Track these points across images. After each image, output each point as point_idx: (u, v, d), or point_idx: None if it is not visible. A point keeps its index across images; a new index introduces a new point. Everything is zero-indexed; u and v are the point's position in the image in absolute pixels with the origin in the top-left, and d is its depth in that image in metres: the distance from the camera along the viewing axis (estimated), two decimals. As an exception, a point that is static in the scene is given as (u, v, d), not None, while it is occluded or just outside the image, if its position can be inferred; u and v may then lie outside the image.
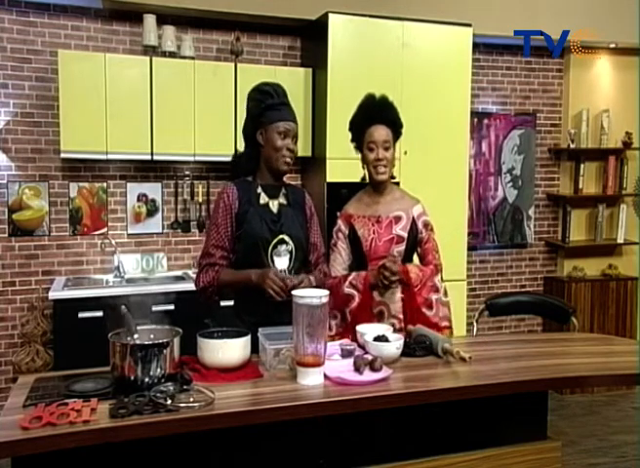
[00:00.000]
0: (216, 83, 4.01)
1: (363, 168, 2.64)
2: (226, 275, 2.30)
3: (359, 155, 2.64)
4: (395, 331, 2.38)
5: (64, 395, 1.78)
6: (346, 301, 2.54)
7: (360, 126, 2.59)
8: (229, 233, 2.31)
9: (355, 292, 2.53)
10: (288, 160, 2.34)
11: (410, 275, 2.52)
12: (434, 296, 2.56)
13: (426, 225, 2.65)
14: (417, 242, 2.64)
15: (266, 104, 2.32)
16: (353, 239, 2.63)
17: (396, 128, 2.59)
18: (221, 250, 2.31)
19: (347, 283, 2.55)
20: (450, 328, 2.60)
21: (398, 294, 2.55)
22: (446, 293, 2.63)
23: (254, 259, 2.28)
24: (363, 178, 2.66)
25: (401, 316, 2.54)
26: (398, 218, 2.60)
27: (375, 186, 2.64)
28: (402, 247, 2.58)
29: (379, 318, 2.54)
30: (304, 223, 2.45)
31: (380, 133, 2.54)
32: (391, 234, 2.58)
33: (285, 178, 2.47)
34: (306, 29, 4.39)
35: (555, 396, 4.75)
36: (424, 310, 2.53)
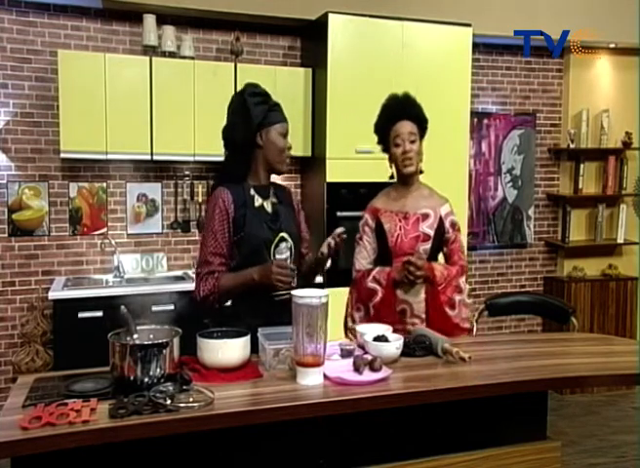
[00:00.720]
0: (215, 83, 4.00)
1: (391, 166, 2.63)
2: (227, 280, 2.25)
3: (386, 155, 2.64)
4: None
5: (64, 395, 1.77)
6: (369, 295, 2.54)
7: (385, 125, 2.60)
8: (227, 239, 2.27)
9: (378, 288, 2.53)
10: (288, 160, 2.39)
11: (435, 273, 2.51)
12: (457, 297, 2.55)
13: (454, 225, 2.63)
14: (443, 241, 2.63)
15: (269, 106, 2.31)
16: (379, 233, 2.62)
17: (421, 123, 2.60)
18: (220, 257, 2.26)
19: (371, 277, 2.55)
20: (471, 330, 2.61)
21: (422, 294, 2.54)
22: (468, 296, 2.62)
23: (257, 261, 2.25)
24: (391, 177, 2.66)
25: (424, 316, 2.54)
26: (425, 216, 2.59)
27: (403, 180, 2.63)
28: (428, 245, 2.57)
29: (401, 316, 2.54)
30: (295, 219, 2.47)
31: (406, 127, 2.55)
32: (418, 231, 2.57)
33: (282, 178, 2.48)
34: (306, 29, 4.39)
35: (555, 396, 4.75)
36: (447, 309, 2.52)
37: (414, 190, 2.63)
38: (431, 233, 2.57)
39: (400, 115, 2.57)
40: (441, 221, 2.60)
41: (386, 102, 2.64)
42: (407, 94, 2.62)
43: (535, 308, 3.64)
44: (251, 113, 2.28)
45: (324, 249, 2.29)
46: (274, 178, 2.47)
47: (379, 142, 2.65)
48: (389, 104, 2.63)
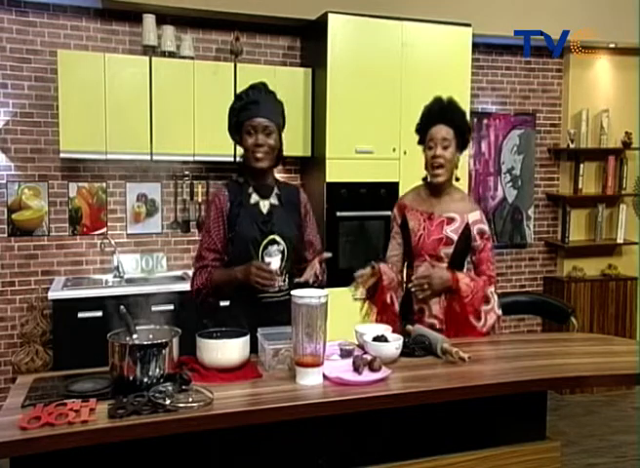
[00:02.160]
0: (215, 83, 4.00)
1: (425, 169, 2.60)
2: (217, 275, 2.32)
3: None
4: (435, 330, 2.38)
5: (63, 395, 1.77)
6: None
7: (423, 127, 2.59)
8: (221, 235, 2.32)
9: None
10: (259, 155, 2.30)
11: (460, 285, 2.48)
12: (484, 307, 2.51)
13: (482, 234, 2.59)
14: (469, 248, 2.60)
15: (236, 108, 2.33)
16: (404, 230, 2.64)
17: (459, 130, 2.55)
18: (214, 252, 2.33)
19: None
20: None
21: (439, 297, 2.54)
22: (499, 307, 2.57)
23: (245, 260, 2.28)
24: (424, 178, 2.65)
25: (442, 316, 2.53)
26: (451, 220, 2.56)
27: (432, 188, 2.61)
28: (450, 249, 2.55)
29: (419, 315, 2.55)
30: (298, 222, 2.44)
31: (441, 131, 2.52)
32: (441, 234, 2.55)
33: (282, 178, 2.48)
34: (306, 29, 4.39)
35: (555, 396, 4.74)
36: (472, 320, 2.49)
37: (445, 193, 2.60)
38: (455, 238, 2.55)
39: (437, 119, 2.54)
40: (467, 228, 2.57)
41: (428, 105, 2.61)
42: (450, 98, 2.58)
43: (534, 308, 3.64)
44: (228, 120, 2.39)
45: (308, 277, 2.29)
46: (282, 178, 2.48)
47: (419, 143, 2.63)
48: (430, 107, 2.60)
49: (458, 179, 2.64)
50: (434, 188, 2.60)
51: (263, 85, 2.39)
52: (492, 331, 2.56)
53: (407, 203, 2.67)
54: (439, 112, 2.55)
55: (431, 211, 2.59)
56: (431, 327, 2.46)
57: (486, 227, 2.62)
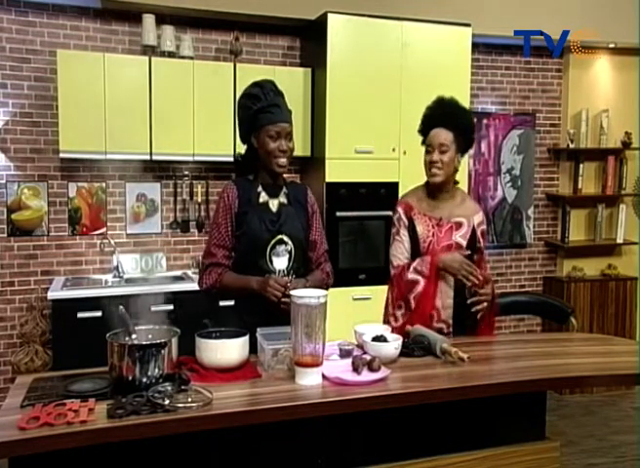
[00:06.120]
0: (215, 83, 4.00)
1: (425, 170, 2.58)
2: (229, 279, 2.29)
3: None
4: (443, 335, 2.37)
5: (62, 395, 1.77)
6: (410, 288, 2.48)
7: (425, 128, 2.57)
8: (230, 232, 2.31)
9: (420, 278, 2.47)
10: (281, 161, 2.31)
11: (494, 292, 2.53)
12: None
13: (483, 234, 2.61)
14: (474, 251, 2.58)
15: (255, 109, 2.29)
16: (412, 234, 2.56)
17: (461, 131, 2.51)
18: (223, 249, 2.32)
19: (411, 269, 2.49)
20: None
21: (450, 299, 2.52)
22: None
23: (252, 259, 2.28)
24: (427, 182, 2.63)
25: (450, 321, 2.53)
26: (459, 225, 2.55)
27: (432, 188, 2.58)
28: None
29: (429, 321, 2.51)
30: (305, 221, 2.43)
31: (439, 136, 2.49)
32: (451, 240, 2.52)
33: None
34: (305, 29, 4.39)
35: (555, 396, 4.74)
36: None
37: (447, 196, 2.58)
38: (464, 243, 2.53)
39: (437, 122, 2.51)
40: (473, 231, 2.57)
41: (430, 105, 2.59)
42: (453, 99, 2.56)
43: (534, 308, 3.64)
44: (240, 117, 2.37)
45: None
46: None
47: (422, 143, 2.60)
48: (431, 107, 2.58)
49: (457, 183, 2.63)
50: (432, 189, 2.59)
51: (273, 84, 2.37)
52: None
53: (413, 204, 2.59)
54: (439, 116, 2.53)
55: (439, 216, 2.55)
56: (439, 331, 2.43)
57: (485, 227, 2.64)
